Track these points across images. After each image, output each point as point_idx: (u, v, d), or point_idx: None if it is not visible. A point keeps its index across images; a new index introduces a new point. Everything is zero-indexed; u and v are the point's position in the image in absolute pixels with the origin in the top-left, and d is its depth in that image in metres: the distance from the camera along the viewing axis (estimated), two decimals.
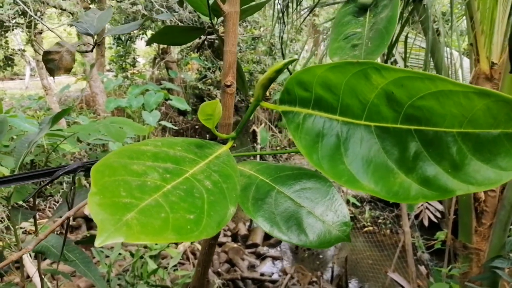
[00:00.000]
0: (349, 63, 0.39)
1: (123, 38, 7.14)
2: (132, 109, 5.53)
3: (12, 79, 10.77)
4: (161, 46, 7.38)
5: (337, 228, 0.52)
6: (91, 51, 1.07)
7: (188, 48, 7.27)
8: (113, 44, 7.49)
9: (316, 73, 0.43)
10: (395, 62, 2.31)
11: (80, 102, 6.57)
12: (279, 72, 0.48)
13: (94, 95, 5.75)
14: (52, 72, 0.98)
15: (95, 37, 1.10)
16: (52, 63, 0.97)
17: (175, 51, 7.59)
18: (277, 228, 0.52)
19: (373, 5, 0.52)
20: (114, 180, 0.36)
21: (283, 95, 0.48)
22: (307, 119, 0.45)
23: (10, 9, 4.86)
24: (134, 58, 7.46)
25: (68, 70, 0.97)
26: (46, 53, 0.98)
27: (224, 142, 0.59)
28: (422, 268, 2.74)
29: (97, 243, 0.29)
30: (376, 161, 0.40)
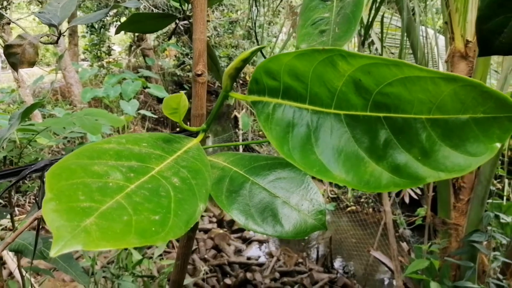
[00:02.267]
0: (315, 51, 0.37)
1: (96, 26, 6.94)
2: (109, 99, 5.41)
3: None
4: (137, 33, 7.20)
5: (312, 217, 0.52)
6: (56, 43, 1.02)
7: (165, 35, 7.13)
8: (87, 32, 7.28)
9: (283, 62, 0.41)
10: (372, 43, 2.31)
11: (55, 93, 6.39)
12: (246, 61, 0.46)
13: (69, 86, 5.60)
14: (15, 67, 0.94)
15: (60, 27, 1.06)
16: (14, 57, 0.93)
17: (151, 38, 7.43)
18: (252, 220, 0.51)
19: None
20: (72, 184, 0.34)
21: (252, 85, 0.46)
22: (277, 109, 0.44)
23: None
24: (109, 46, 7.27)
25: (31, 64, 0.93)
26: (8, 47, 0.93)
27: (195, 135, 0.57)
28: (404, 245, 2.81)
29: (52, 253, 0.28)
30: (347, 150, 0.39)
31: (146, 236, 0.31)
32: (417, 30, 1.77)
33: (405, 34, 1.77)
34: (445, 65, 1.86)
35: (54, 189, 0.32)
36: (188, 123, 0.72)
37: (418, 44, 1.80)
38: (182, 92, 0.44)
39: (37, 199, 0.74)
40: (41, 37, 1.00)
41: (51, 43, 1.05)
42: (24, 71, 6.48)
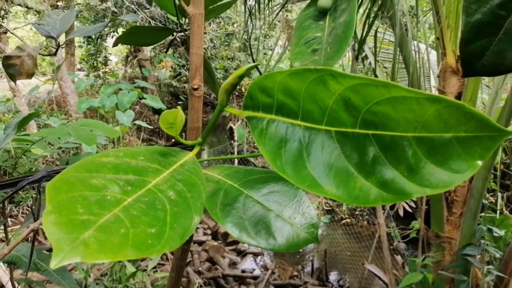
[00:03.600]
0: (307, 70, 0.39)
1: (93, 36, 6.98)
2: (105, 109, 5.41)
3: None
4: None
5: (305, 230, 0.53)
6: (54, 55, 1.03)
7: (161, 46, 7.17)
8: (83, 42, 7.31)
9: (277, 79, 0.43)
10: (366, 57, 2.34)
11: (51, 103, 6.39)
12: (241, 77, 0.47)
13: (65, 95, 5.60)
14: (13, 78, 0.95)
15: (59, 38, 1.07)
16: (12, 68, 0.94)
17: (148, 49, 7.48)
18: (246, 233, 0.52)
19: (332, 9, 0.52)
20: (71, 197, 0.35)
21: (247, 100, 0.48)
22: (271, 125, 0.45)
23: None
24: (105, 56, 7.30)
25: (30, 76, 0.94)
26: (6, 58, 0.94)
27: (191, 148, 0.58)
28: (399, 258, 2.81)
29: (52, 264, 0.28)
30: (337, 166, 0.40)
31: (143, 249, 0.32)
32: (409, 45, 1.80)
33: (398, 49, 1.80)
34: (437, 80, 1.90)
35: (54, 202, 0.33)
36: (184, 135, 0.73)
37: (411, 58, 1.84)
38: (179, 107, 0.45)
39: (33, 210, 0.75)
40: (40, 49, 1.02)
41: (49, 55, 1.06)
42: (19, 81, 6.48)
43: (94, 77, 6.67)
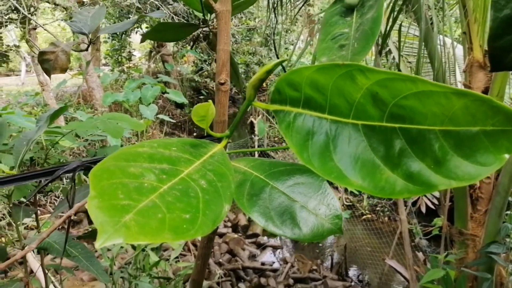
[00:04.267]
0: (335, 65, 0.40)
1: (118, 32, 7.11)
2: (129, 103, 5.53)
3: (8, 75, 10.72)
4: None
5: (329, 221, 0.54)
6: (86, 50, 1.07)
7: (184, 41, 7.24)
8: (108, 38, 7.45)
9: (304, 74, 0.44)
10: (389, 51, 2.31)
11: (78, 97, 6.56)
12: (269, 72, 0.49)
13: (90, 90, 5.74)
14: (48, 72, 0.99)
15: (90, 35, 1.11)
16: (47, 63, 0.98)
17: (170, 44, 7.56)
18: (272, 223, 0.53)
19: (359, 6, 0.53)
20: (112, 183, 0.37)
21: (274, 95, 0.49)
22: (298, 118, 0.47)
23: (3, 4, 4.82)
24: (129, 51, 7.43)
25: (64, 70, 0.98)
26: (41, 53, 0.99)
27: (218, 140, 0.60)
28: (420, 255, 2.78)
29: (98, 245, 0.31)
30: (363, 158, 0.41)
31: (178, 233, 0.34)
32: (435, 39, 1.77)
33: (423, 43, 1.77)
34: (463, 75, 1.86)
35: (97, 188, 0.36)
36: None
37: (436, 53, 1.81)
38: (210, 101, 0.47)
39: (68, 198, 0.78)
40: (73, 45, 1.06)
41: (82, 51, 1.10)
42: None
43: (119, 72, 6.80)
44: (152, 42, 7.66)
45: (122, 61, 7.17)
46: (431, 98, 0.36)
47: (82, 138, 2.20)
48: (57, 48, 1.01)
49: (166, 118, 5.05)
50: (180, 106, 7.23)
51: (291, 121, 0.47)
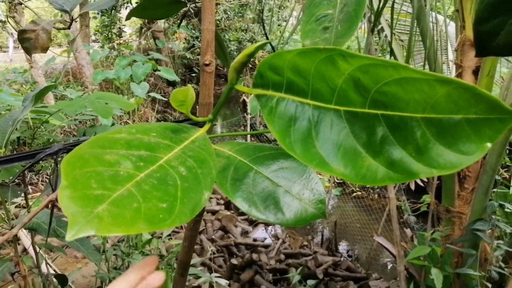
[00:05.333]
0: (316, 50, 0.39)
1: (105, 7, 6.92)
2: (120, 81, 5.45)
3: None
4: None
5: (313, 206, 0.54)
6: (68, 28, 1.04)
7: (175, 17, 7.09)
8: (98, 13, 7.26)
9: (286, 58, 0.43)
10: (382, 29, 2.28)
11: (67, 74, 6.44)
12: (251, 55, 0.48)
13: (80, 67, 5.63)
14: (28, 52, 0.96)
15: (72, 12, 1.08)
16: (28, 42, 0.95)
17: (161, 20, 7.40)
18: (255, 208, 0.53)
19: None
20: (85, 172, 0.36)
21: (257, 78, 0.48)
22: (280, 103, 0.46)
23: None
24: (120, 28, 7.26)
25: (44, 50, 0.95)
26: (21, 32, 0.95)
27: (202, 124, 0.59)
28: (408, 231, 2.84)
29: (68, 237, 0.30)
30: (345, 145, 0.41)
31: (154, 223, 0.34)
32: (427, 17, 1.75)
33: (415, 21, 1.75)
34: (455, 53, 1.85)
35: (69, 177, 0.35)
36: (196, 111, 0.74)
37: (428, 31, 1.79)
38: (189, 85, 0.46)
39: (51, 181, 0.78)
40: (54, 23, 1.02)
41: (64, 29, 1.07)
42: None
43: (109, 48, 6.66)
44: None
45: (112, 38, 7.02)
46: (413, 85, 0.35)
47: (71, 117, 2.17)
48: (38, 26, 0.97)
49: (158, 96, 5.00)
50: (172, 84, 7.14)
51: (273, 106, 0.46)
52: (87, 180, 0.35)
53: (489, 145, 0.34)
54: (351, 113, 0.40)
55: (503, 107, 0.33)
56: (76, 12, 1.10)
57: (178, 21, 7.19)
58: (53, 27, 1.05)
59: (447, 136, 0.35)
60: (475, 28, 0.40)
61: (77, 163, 0.37)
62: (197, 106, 0.76)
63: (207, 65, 0.78)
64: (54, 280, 1.67)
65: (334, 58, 0.38)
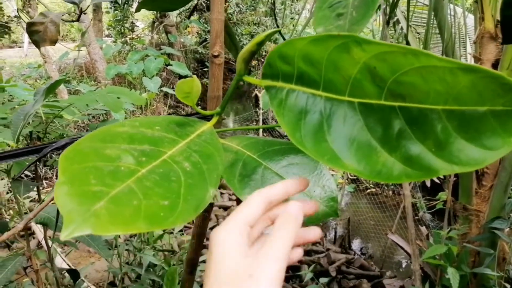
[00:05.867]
0: (330, 36, 0.36)
1: (119, 1, 6.95)
2: (133, 76, 5.46)
3: (11, 47, 10.61)
4: None
5: (324, 203, 0.51)
6: (77, 20, 1.03)
7: (187, 11, 7.08)
8: (110, 8, 7.30)
9: (297, 47, 0.40)
10: (398, 21, 2.22)
11: (81, 69, 6.50)
12: (260, 44, 0.45)
13: (93, 62, 5.67)
14: (37, 44, 0.95)
15: (82, 4, 1.06)
16: (36, 34, 0.94)
17: (173, 14, 7.40)
18: None
19: None
20: (84, 167, 0.34)
21: (266, 69, 0.46)
22: (290, 95, 0.43)
23: None
24: (132, 22, 7.29)
25: (53, 42, 0.94)
26: (30, 25, 0.94)
27: (210, 117, 0.57)
28: (423, 229, 2.78)
29: (63, 236, 0.28)
30: (359, 139, 0.38)
31: (155, 221, 0.32)
32: (445, 9, 1.69)
33: (432, 13, 1.70)
34: (473, 46, 1.79)
35: (67, 173, 0.33)
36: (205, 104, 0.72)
37: (446, 23, 1.73)
38: (195, 76, 0.44)
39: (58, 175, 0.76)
40: (63, 15, 1.01)
41: (73, 21, 1.06)
42: (50, 47, 6.59)
43: (122, 43, 6.69)
44: (155, 12, 7.51)
45: (125, 32, 7.04)
46: (435, 74, 0.32)
47: (82, 112, 2.18)
48: (46, 18, 0.96)
49: (170, 91, 5.00)
50: (184, 78, 7.14)
51: (283, 98, 0.44)
52: (86, 175, 0.33)
53: None
54: (366, 105, 0.38)
55: None
56: (86, 4, 1.09)
57: (188, 17, 7.19)
58: (63, 20, 1.04)
59: (470, 130, 0.32)
60: (502, 13, 0.37)
61: (75, 158, 0.35)
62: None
63: (216, 56, 0.76)
64: (67, 274, 1.67)
65: (349, 46, 0.36)
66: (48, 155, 0.82)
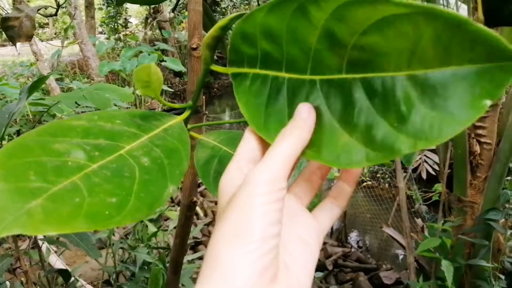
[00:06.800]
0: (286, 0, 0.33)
1: None
2: (126, 72, 5.42)
3: (3, 45, 10.53)
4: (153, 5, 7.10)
5: None
6: (55, 15, 1.00)
7: (181, 6, 7.02)
8: (103, 4, 7.24)
9: (257, 21, 0.37)
10: None
11: (74, 67, 6.44)
12: (224, 29, 0.42)
13: (86, 59, 5.62)
14: (13, 40, 0.92)
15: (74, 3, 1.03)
16: (11, 30, 0.91)
17: (167, 10, 7.34)
18: None
19: None
20: (25, 162, 0.31)
21: (231, 54, 0.42)
22: (255, 81, 0.40)
23: None
24: (125, 18, 7.23)
25: (29, 38, 0.91)
26: (4, 20, 0.91)
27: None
28: (419, 221, 2.77)
29: None
30: (322, 122, 0.35)
31: (97, 220, 0.29)
32: None
33: (425, 3, 1.67)
34: None
35: (4, 168, 0.30)
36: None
37: None
38: (152, 63, 0.41)
39: None
40: (38, 9, 0.98)
41: (50, 16, 1.03)
42: (43, 45, 6.53)
43: (115, 40, 6.64)
44: (148, 7, 7.45)
45: (118, 29, 6.99)
46: (394, 27, 0.28)
47: (73, 109, 2.14)
48: (22, 13, 0.93)
49: (165, 87, 4.96)
50: (178, 74, 7.09)
51: (247, 85, 0.41)
52: (25, 171, 0.31)
53: (488, 102, 0.25)
54: (327, 82, 0.34)
55: (506, 49, 0.24)
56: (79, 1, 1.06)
57: (184, 10, 7.13)
58: (40, 14, 1.01)
59: (434, 96, 0.27)
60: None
61: (17, 152, 0.32)
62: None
63: (194, 49, 0.73)
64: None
65: (305, 7, 0.32)
66: None
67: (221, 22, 0.42)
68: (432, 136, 0.27)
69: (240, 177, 0.35)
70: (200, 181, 0.61)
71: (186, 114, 0.52)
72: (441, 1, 1.82)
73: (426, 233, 2.06)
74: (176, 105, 0.53)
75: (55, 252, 2.75)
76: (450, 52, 0.26)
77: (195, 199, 0.80)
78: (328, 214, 0.40)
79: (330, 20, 0.31)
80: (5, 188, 0.29)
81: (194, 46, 0.74)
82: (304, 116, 0.34)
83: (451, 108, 0.27)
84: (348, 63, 0.32)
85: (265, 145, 0.37)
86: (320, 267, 3.12)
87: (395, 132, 0.29)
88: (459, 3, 2.18)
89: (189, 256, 2.70)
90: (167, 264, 2.30)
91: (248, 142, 0.38)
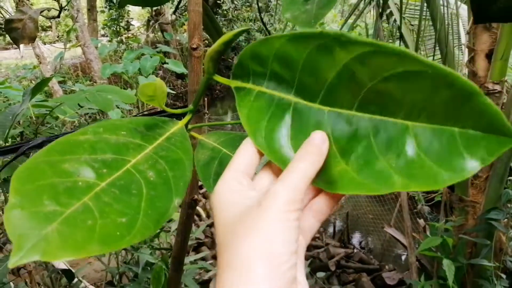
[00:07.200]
0: (311, 35, 0.34)
1: (115, 0, 6.90)
2: (128, 75, 5.43)
3: (6, 48, 10.56)
4: (155, 7, 7.11)
5: None
6: (58, 17, 1.01)
7: (182, 9, 7.03)
8: (105, 7, 7.25)
9: (275, 46, 0.38)
10: (391, 14, 2.20)
11: (76, 69, 6.46)
12: (228, 44, 0.43)
13: (89, 61, 5.63)
14: (16, 42, 0.93)
15: (61, 0, 1.04)
16: (15, 32, 0.92)
17: (169, 12, 7.35)
18: None
19: None
20: (38, 186, 0.32)
21: (237, 69, 0.44)
22: (259, 98, 0.41)
23: None
24: (127, 21, 7.24)
25: (32, 39, 0.92)
26: (8, 22, 0.92)
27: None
28: (421, 221, 2.78)
29: (11, 264, 0.27)
30: None
31: (110, 242, 0.30)
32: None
33: (425, 3, 1.67)
34: (467, 37, 1.76)
35: (19, 194, 0.30)
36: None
37: (439, 13, 1.71)
38: (158, 78, 0.42)
39: None
40: (41, 12, 0.99)
41: (52, 18, 1.04)
42: (46, 48, 6.56)
43: (117, 42, 6.65)
44: (150, 10, 7.46)
45: (120, 31, 7.00)
46: (416, 81, 0.30)
47: (76, 111, 2.16)
48: (25, 15, 0.94)
49: (167, 89, 4.97)
50: (180, 76, 7.11)
51: (251, 101, 0.42)
52: (39, 195, 0.31)
53: (479, 166, 0.29)
54: (336, 114, 0.36)
55: (505, 126, 0.28)
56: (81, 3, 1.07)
57: (185, 12, 7.14)
58: (43, 16, 1.02)
59: (436, 149, 0.31)
60: None
61: (29, 176, 0.32)
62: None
63: (194, 49, 0.74)
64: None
65: (331, 45, 0.33)
66: (21, 156, 0.81)
67: (225, 37, 0.43)
68: (424, 183, 0.30)
69: (238, 187, 0.36)
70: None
71: (187, 118, 0.53)
72: (441, 1, 1.82)
73: (428, 233, 2.07)
74: (178, 111, 0.54)
75: None
76: (458, 115, 0.29)
77: (196, 197, 0.81)
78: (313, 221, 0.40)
79: (353, 61, 0.33)
80: (21, 215, 0.29)
81: (194, 46, 0.75)
82: (318, 142, 0.35)
83: (449, 162, 0.30)
84: (361, 102, 0.34)
85: (261, 158, 0.39)
86: (322, 267, 3.13)
87: (391, 171, 0.32)
88: (459, 3, 2.19)
89: (191, 257, 2.71)
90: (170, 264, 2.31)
91: (247, 152, 0.39)
